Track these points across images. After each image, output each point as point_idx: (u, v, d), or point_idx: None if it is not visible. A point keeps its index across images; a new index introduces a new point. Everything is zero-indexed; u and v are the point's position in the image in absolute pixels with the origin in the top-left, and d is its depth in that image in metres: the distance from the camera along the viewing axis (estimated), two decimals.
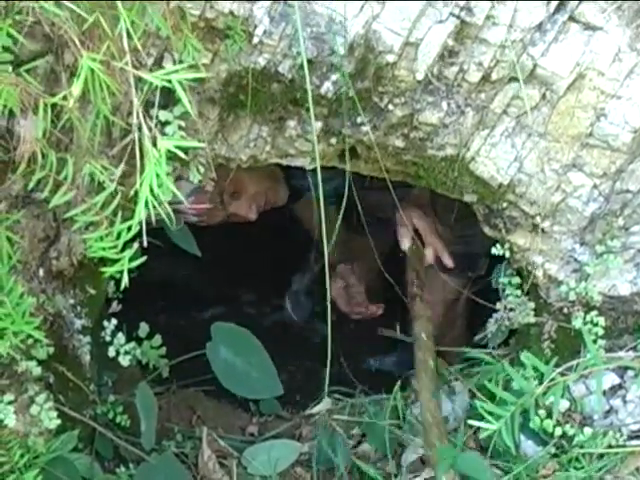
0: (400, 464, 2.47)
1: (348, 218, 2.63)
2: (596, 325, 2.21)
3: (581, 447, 2.24)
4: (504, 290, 2.39)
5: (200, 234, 2.64)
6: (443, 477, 2.18)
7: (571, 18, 1.98)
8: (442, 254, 2.88)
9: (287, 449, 2.48)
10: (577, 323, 2.24)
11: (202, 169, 2.16)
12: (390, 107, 2.08)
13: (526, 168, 2.14)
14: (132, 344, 2.28)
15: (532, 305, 2.36)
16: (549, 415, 2.19)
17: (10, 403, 1.94)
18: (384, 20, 1.94)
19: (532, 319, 2.36)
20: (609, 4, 1.97)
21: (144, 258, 1.72)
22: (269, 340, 2.58)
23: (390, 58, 1.97)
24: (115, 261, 1.70)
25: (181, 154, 1.49)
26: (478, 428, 2.17)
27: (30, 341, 1.98)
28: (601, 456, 2.23)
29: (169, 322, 3.23)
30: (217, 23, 1.92)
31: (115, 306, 2.40)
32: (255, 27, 1.93)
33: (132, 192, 1.60)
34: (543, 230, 2.22)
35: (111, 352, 2.26)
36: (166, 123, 1.94)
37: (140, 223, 1.58)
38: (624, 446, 2.22)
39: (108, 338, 2.27)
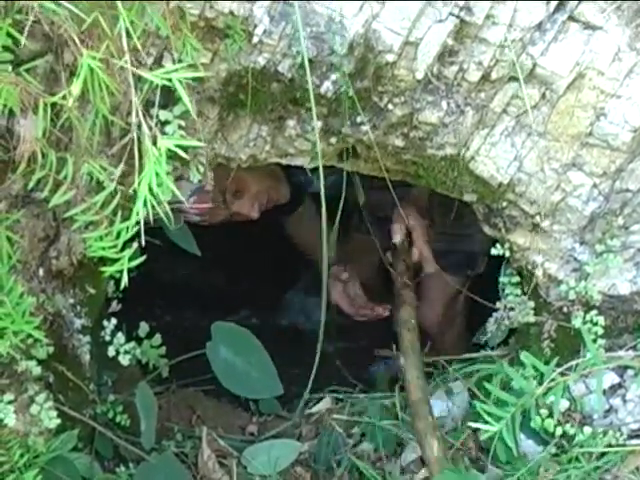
0: (400, 463, 2.48)
1: (348, 217, 2.64)
2: (596, 324, 2.21)
3: (581, 446, 2.24)
4: (504, 289, 2.39)
5: (200, 233, 2.64)
6: None
7: (571, 18, 1.98)
8: (425, 261, 2.92)
9: (287, 448, 2.48)
10: (577, 322, 2.24)
11: (202, 168, 2.16)
12: (390, 106, 2.08)
13: (526, 167, 2.14)
14: (132, 344, 2.28)
15: (532, 304, 2.36)
16: (550, 415, 2.19)
17: (10, 402, 1.94)
18: (384, 19, 1.94)
19: (532, 318, 2.36)
20: (609, 4, 1.97)
21: (144, 257, 1.72)
22: (269, 340, 2.58)
23: (390, 57, 1.97)
24: (115, 260, 1.70)
25: (181, 153, 1.49)
26: (478, 429, 2.17)
27: (30, 341, 1.97)
28: (601, 455, 2.23)
29: (169, 321, 3.24)
30: (217, 23, 1.92)
31: (115, 305, 2.40)
32: (255, 26, 1.93)
33: (132, 191, 1.60)
34: (543, 229, 2.22)
35: (111, 352, 2.26)
36: (166, 122, 1.94)
37: (139, 222, 1.58)
38: (624, 445, 2.22)
39: (108, 337, 2.27)
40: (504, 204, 2.23)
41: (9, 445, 1.99)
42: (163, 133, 1.87)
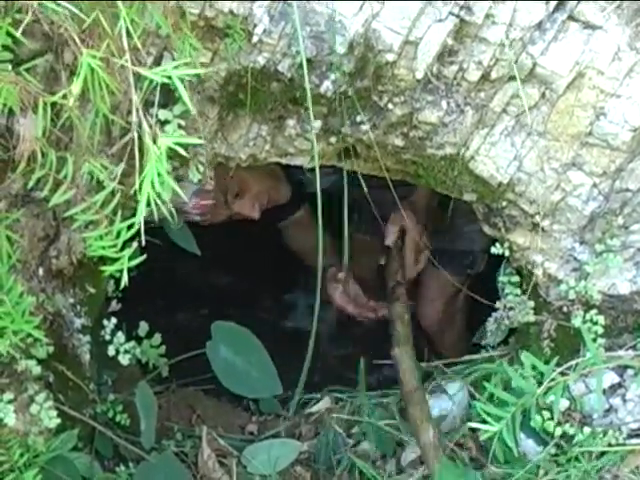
0: (400, 463, 2.48)
1: (348, 217, 2.65)
2: (596, 324, 2.21)
3: (581, 446, 2.24)
4: (504, 289, 2.39)
5: (200, 233, 2.64)
6: None
7: (570, 17, 1.98)
8: (409, 268, 2.99)
9: (287, 448, 2.48)
10: (576, 322, 2.24)
11: (202, 168, 2.16)
12: (390, 106, 2.08)
13: (526, 167, 2.14)
14: (132, 343, 2.28)
15: (532, 304, 2.36)
16: (550, 415, 2.19)
17: (10, 402, 1.94)
18: (384, 19, 1.94)
19: (532, 318, 2.36)
20: (608, 3, 1.97)
21: (144, 257, 1.72)
22: (270, 341, 2.58)
23: (390, 57, 1.97)
24: (115, 260, 1.70)
25: (182, 151, 1.49)
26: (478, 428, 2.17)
27: (30, 340, 1.97)
28: (601, 455, 2.23)
29: (169, 321, 3.24)
30: (217, 22, 1.92)
31: (114, 305, 2.40)
32: (255, 26, 1.93)
33: (132, 191, 1.60)
34: (543, 229, 2.22)
35: (111, 351, 2.26)
36: (166, 122, 1.94)
37: (139, 221, 1.58)
38: (624, 445, 2.22)
39: (108, 337, 2.27)
40: (504, 204, 2.23)
41: (9, 444, 1.99)
42: (163, 132, 1.87)
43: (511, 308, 2.38)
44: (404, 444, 2.51)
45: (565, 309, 2.31)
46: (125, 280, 1.65)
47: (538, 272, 2.29)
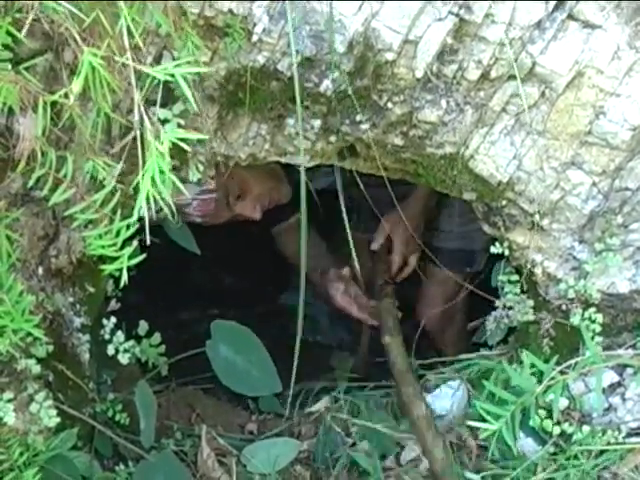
0: (399, 462, 2.48)
1: (348, 216, 2.66)
2: (594, 322, 2.22)
3: (580, 444, 2.24)
4: (503, 288, 2.40)
5: (200, 232, 2.65)
6: None
7: (570, 16, 1.98)
8: (395, 272, 3.12)
9: (286, 447, 2.48)
10: (575, 320, 2.24)
11: (201, 167, 2.17)
12: (389, 105, 2.08)
13: (525, 166, 2.14)
14: (131, 342, 2.28)
15: (531, 303, 2.36)
16: (549, 413, 2.20)
17: (9, 401, 1.94)
18: (383, 18, 1.94)
19: (531, 317, 2.37)
20: (608, 2, 1.97)
21: (144, 256, 1.72)
22: (269, 339, 2.59)
23: (389, 56, 1.97)
24: (114, 259, 1.70)
25: (185, 146, 1.49)
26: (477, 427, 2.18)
27: (29, 339, 1.97)
28: (600, 453, 2.23)
29: (168, 320, 3.24)
30: (216, 21, 1.93)
31: (114, 304, 2.40)
32: (254, 25, 1.94)
33: (132, 190, 1.61)
34: (542, 228, 2.22)
35: (110, 350, 2.26)
36: (165, 121, 1.94)
37: (140, 220, 1.58)
38: (623, 443, 2.23)
39: (107, 336, 2.27)
40: (503, 203, 2.24)
41: (9, 443, 1.99)
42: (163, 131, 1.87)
43: (510, 307, 2.39)
44: (403, 444, 2.51)
45: (564, 308, 2.31)
46: (125, 279, 1.65)
47: (537, 271, 2.29)
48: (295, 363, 2.38)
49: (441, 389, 2.54)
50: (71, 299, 2.21)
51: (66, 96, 1.63)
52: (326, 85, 2.02)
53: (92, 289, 2.25)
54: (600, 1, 1.97)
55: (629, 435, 2.26)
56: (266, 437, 2.57)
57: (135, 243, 1.72)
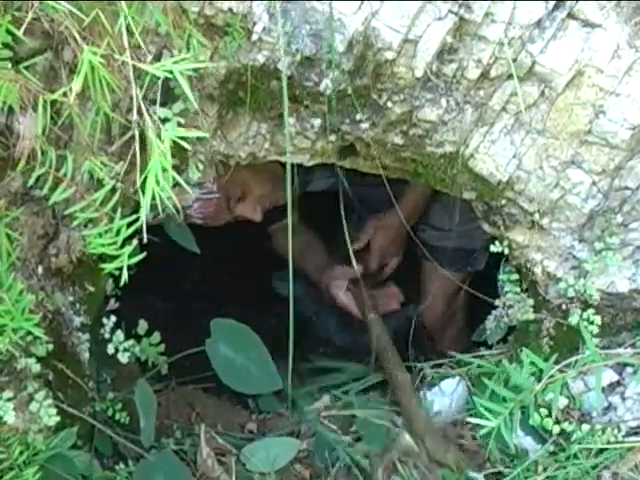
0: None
1: (345, 217, 2.67)
2: (592, 323, 2.22)
3: (579, 443, 2.24)
4: (503, 287, 2.40)
5: (200, 232, 2.65)
6: None
7: (570, 15, 1.98)
8: (371, 274, 3.23)
9: (286, 446, 2.47)
10: (573, 320, 2.24)
11: (201, 166, 2.17)
12: (389, 104, 2.08)
13: (525, 165, 2.14)
14: (131, 341, 2.28)
15: (531, 302, 2.36)
16: (549, 412, 2.20)
17: (9, 400, 1.94)
18: (383, 17, 1.94)
19: (531, 316, 2.37)
20: (608, 1, 1.97)
21: (144, 254, 1.72)
22: (269, 337, 2.59)
23: (389, 55, 1.97)
24: (114, 257, 1.70)
25: (185, 144, 1.49)
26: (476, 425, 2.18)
27: (29, 338, 1.97)
28: (600, 452, 2.23)
29: (167, 319, 3.24)
30: (216, 20, 1.93)
31: (113, 304, 2.40)
32: (254, 24, 1.93)
33: (132, 189, 1.61)
34: (542, 227, 2.22)
35: (110, 349, 2.26)
36: (165, 120, 1.94)
37: (140, 219, 1.58)
38: (623, 442, 2.23)
39: (107, 335, 2.27)
40: (503, 202, 2.24)
41: (8, 442, 1.99)
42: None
43: (510, 306, 2.39)
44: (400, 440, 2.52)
45: (564, 307, 2.31)
46: (125, 278, 1.65)
47: (537, 270, 2.29)
48: (291, 354, 2.40)
49: (440, 387, 2.54)
50: (71, 298, 2.21)
51: (65, 95, 1.63)
52: (326, 84, 2.02)
53: (92, 288, 2.25)
54: (600, 0, 1.97)
55: (629, 434, 2.26)
56: (266, 436, 2.57)
57: (135, 242, 1.72)
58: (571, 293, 2.25)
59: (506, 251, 2.29)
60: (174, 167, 2.09)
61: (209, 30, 1.94)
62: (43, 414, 2.02)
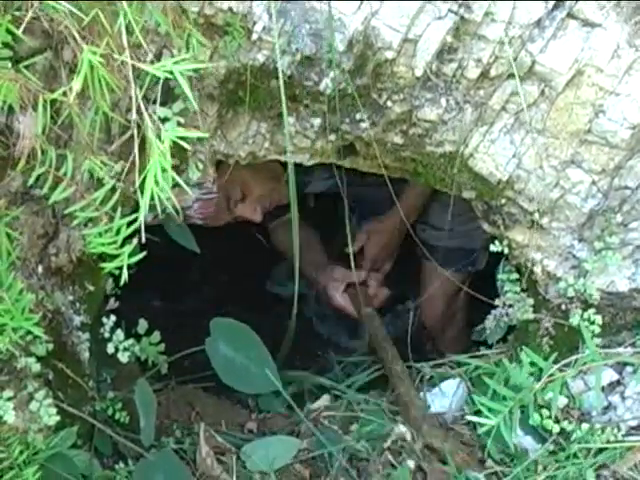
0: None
1: (351, 214, 2.68)
2: (593, 323, 2.22)
3: (579, 442, 2.24)
4: (503, 286, 2.40)
5: (200, 231, 2.65)
6: None
7: (570, 15, 1.98)
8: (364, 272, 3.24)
9: (286, 445, 2.47)
10: (574, 320, 2.24)
11: (201, 166, 2.17)
12: (389, 103, 2.08)
13: (525, 164, 2.14)
14: (131, 340, 2.28)
15: (531, 301, 2.36)
16: (548, 412, 2.20)
17: (9, 399, 1.94)
18: (383, 17, 1.94)
19: (531, 315, 2.37)
20: (607, 1, 1.97)
21: (143, 254, 1.72)
22: (268, 336, 2.59)
23: (389, 54, 1.98)
24: (114, 257, 1.70)
25: (185, 144, 1.49)
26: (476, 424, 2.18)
27: (29, 337, 1.97)
28: (599, 452, 2.23)
29: (167, 318, 3.24)
30: (216, 20, 1.93)
31: (113, 303, 2.40)
32: (254, 24, 1.94)
33: (132, 188, 1.61)
34: (542, 226, 2.22)
35: (110, 349, 2.26)
36: (165, 119, 1.94)
37: (138, 219, 1.58)
38: (622, 441, 2.22)
39: (107, 334, 2.27)
40: (503, 201, 2.24)
41: (8, 442, 1.99)
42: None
43: (510, 305, 2.39)
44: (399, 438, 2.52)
45: (564, 307, 2.31)
46: (125, 277, 1.65)
47: (537, 270, 2.29)
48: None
49: (440, 387, 2.54)
50: (71, 297, 2.20)
51: (65, 94, 1.63)
52: (326, 84, 2.02)
53: (92, 287, 2.25)
54: (600, 0, 1.97)
55: (628, 433, 2.26)
56: (266, 435, 2.57)
57: (135, 241, 1.72)
58: (571, 292, 2.25)
59: (506, 250, 2.29)
60: (174, 167, 2.10)
61: (209, 30, 1.94)
62: (43, 413, 2.01)
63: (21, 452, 1.99)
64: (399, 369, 2.63)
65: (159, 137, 1.50)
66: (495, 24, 1.97)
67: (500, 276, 2.40)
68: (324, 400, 2.68)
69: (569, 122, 2.06)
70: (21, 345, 1.95)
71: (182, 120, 1.95)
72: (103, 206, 1.79)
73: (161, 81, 1.60)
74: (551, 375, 2.08)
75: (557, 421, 2.24)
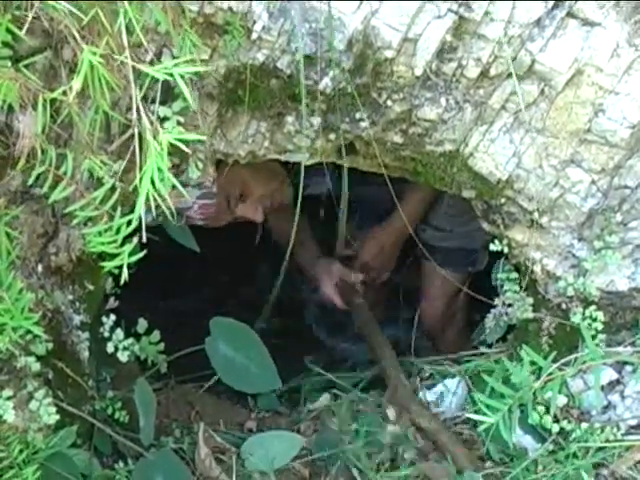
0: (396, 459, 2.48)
1: (348, 217, 2.68)
2: (595, 320, 2.22)
3: (579, 442, 2.24)
4: (502, 285, 2.40)
5: (200, 231, 2.66)
6: None
7: (569, 14, 1.99)
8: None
9: (287, 444, 2.46)
10: (576, 319, 2.24)
11: (201, 165, 2.17)
12: (389, 103, 2.08)
13: (524, 164, 2.14)
14: (131, 340, 2.28)
15: (530, 301, 2.36)
16: (548, 411, 2.20)
17: (9, 399, 1.94)
18: (383, 16, 1.94)
19: (530, 315, 2.37)
20: (607, 0, 1.97)
21: (144, 252, 1.72)
22: (268, 335, 2.59)
23: (389, 54, 1.98)
24: (114, 256, 1.70)
25: (183, 147, 1.49)
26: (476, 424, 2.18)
27: (29, 337, 1.97)
28: (599, 451, 2.23)
29: (167, 318, 3.24)
30: (216, 19, 1.93)
31: (112, 302, 2.40)
32: (254, 23, 1.94)
33: (132, 187, 1.61)
34: (541, 226, 2.22)
35: (110, 348, 2.26)
36: (165, 119, 1.94)
37: (139, 218, 1.58)
38: (622, 441, 2.23)
39: (107, 334, 2.26)
40: (502, 200, 2.24)
41: (8, 441, 1.99)
42: (162, 129, 1.87)
43: (510, 305, 2.38)
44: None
45: (564, 306, 2.31)
46: (125, 276, 1.65)
47: (537, 269, 2.29)
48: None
49: (440, 386, 2.54)
50: (70, 297, 2.21)
51: (65, 94, 1.63)
52: (325, 83, 2.02)
53: (91, 287, 2.25)
54: None
55: (628, 433, 2.26)
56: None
57: (135, 240, 1.72)
58: (570, 292, 2.25)
59: (505, 250, 2.29)
60: (174, 166, 2.12)
61: (209, 29, 1.94)
62: (43, 413, 2.02)
63: (21, 451, 2.00)
64: (387, 354, 2.73)
65: (157, 138, 1.49)
66: (495, 23, 1.98)
67: (500, 275, 2.40)
68: (325, 399, 2.68)
69: (569, 121, 2.06)
70: (21, 344, 1.95)
71: (182, 119, 1.96)
72: (103, 205, 1.79)
73: (160, 81, 1.60)
74: (550, 374, 2.08)
75: (556, 420, 2.24)
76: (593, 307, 2.23)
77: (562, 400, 2.27)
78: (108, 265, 1.69)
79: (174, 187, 1.58)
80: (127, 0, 1.57)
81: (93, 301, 2.29)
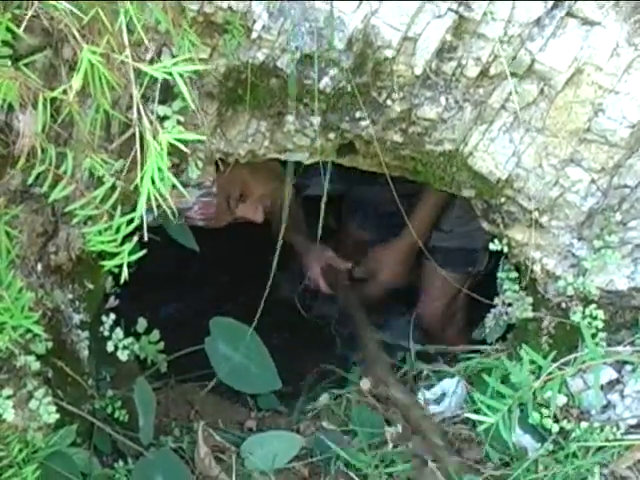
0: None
1: (354, 215, 2.68)
2: (595, 319, 2.22)
3: (578, 441, 2.24)
4: (502, 285, 2.40)
5: (201, 232, 2.66)
6: None
7: (569, 13, 1.99)
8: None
9: (287, 443, 2.47)
10: (576, 317, 2.24)
11: (201, 164, 2.17)
12: (388, 102, 2.08)
13: (524, 163, 2.14)
14: (130, 339, 2.28)
15: (530, 300, 2.36)
16: (548, 410, 2.20)
17: (9, 397, 1.94)
18: (383, 15, 1.94)
19: (530, 314, 2.37)
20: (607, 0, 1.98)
21: (144, 252, 1.72)
22: (268, 335, 2.59)
23: (389, 53, 1.98)
24: (114, 255, 1.70)
25: (182, 146, 1.49)
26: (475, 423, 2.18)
27: (29, 336, 1.97)
28: (598, 450, 2.23)
29: (167, 317, 3.24)
30: (216, 18, 1.93)
31: (112, 301, 2.40)
32: (254, 22, 1.94)
33: (132, 186, 1.61)
34: (541, 225, 2.22)
35: (109, 347, 2.26)
36: (165, 118, 1.94)
37: (140, 217, 1.58)
38: (622, 440, 2.23)
39: (106, 333, 2.27)
40: (502, 200, 2.24)
41: (8, 440, 1.99)
42: (162, 128, 1.87)
43: (510, 304, 2.39)
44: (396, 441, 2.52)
45: (563, 305, 2.31)
46: (125, 275, 1.65)
47: (536, 268, 2.29)
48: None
49: (439, 386, 2.54)
50: (70, 296, 2.21)
51: (65, 92, 1.63)
52: (325, 82, 2.02)
53: (91, 286, 2.25)
54: None
55: (627, 432, 2.26)
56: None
57: (135, 239, 1.72)
58: (570, 291, 2.25)
59: (505, 249, 2.29)
60: (174, 165, 2.12)
61: (209, 28, 1.94)
62: (42, 412, 2.02)
63: (20, 450, 2.00)
64: (367, 334, 2.91)
65: (157, 138, 1.50)
66: (494, 23, 1.98)
67: (499, 274, 2.40)
68: (324, 399, 2.68)
69: (568, 121, 2.06)
70: (20, 343, 1.95)
71: (182, 118, 1.96)
72: (103, 204, 1.79)
73: (159, 81, 1.60)
74: (550, 373, 2.08)
75: (556, 420, 2.24)
76: (593, 306, 2.23)
77: (562, 399, 2.27)
78: (108, 264, 1.70)
79: (174, 187, 1.58)
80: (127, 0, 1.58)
81: (93, 300, 2.29)
